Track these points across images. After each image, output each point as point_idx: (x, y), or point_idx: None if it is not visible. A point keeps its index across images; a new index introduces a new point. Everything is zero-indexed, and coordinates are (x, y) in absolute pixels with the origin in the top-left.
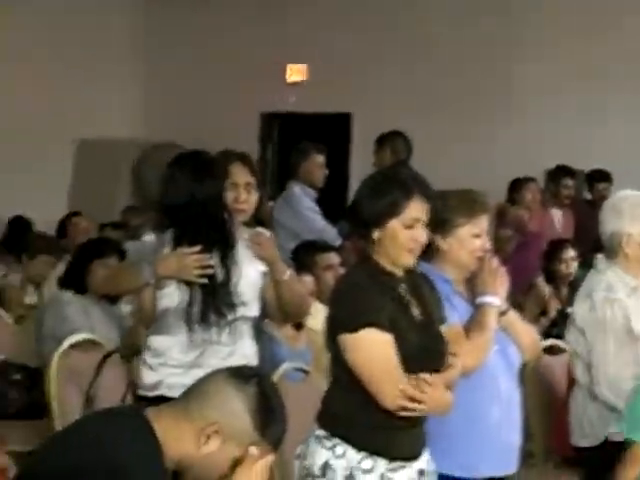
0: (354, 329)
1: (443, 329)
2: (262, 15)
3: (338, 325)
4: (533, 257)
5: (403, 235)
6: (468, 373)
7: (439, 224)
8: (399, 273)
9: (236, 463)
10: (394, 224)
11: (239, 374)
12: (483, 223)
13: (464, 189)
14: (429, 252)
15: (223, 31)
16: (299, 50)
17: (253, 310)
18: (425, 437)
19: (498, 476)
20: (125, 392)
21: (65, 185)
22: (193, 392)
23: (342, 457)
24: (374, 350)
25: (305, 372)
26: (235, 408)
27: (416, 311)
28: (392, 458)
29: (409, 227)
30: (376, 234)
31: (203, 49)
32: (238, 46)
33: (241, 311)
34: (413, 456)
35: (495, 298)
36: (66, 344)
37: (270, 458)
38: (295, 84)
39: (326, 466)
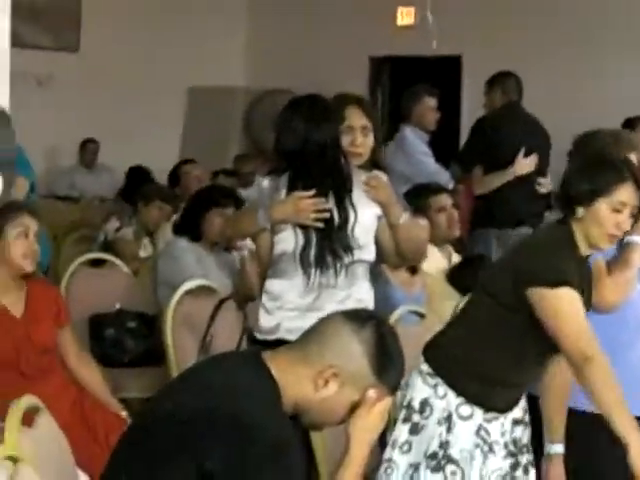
0: (555, 284)
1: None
2: None
3: (535, 277)
4: None
5: (608, 218)
6: (609, 310)
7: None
8: (587, 255)
9: (354, 407)
10: (601, 204)
11: (356, 317)
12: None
13: (600, 154)
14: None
15: None
16: None
17: (369, 253)
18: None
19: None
20: (240, 338)
21: (177, 134)
22: (310, 335)
23: (443, 398)
24: (574, 308)
25: (421, 315)
26: (353, 351)
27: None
28: (488, 409)
29: (616, 211)
30: (580, 212)
31: None
32: None
33: (357, 254)
34: (508, 409)
35: None
36: (181, 291)
37: (388, 401)
38: (405, 27)
39: (425, 403)
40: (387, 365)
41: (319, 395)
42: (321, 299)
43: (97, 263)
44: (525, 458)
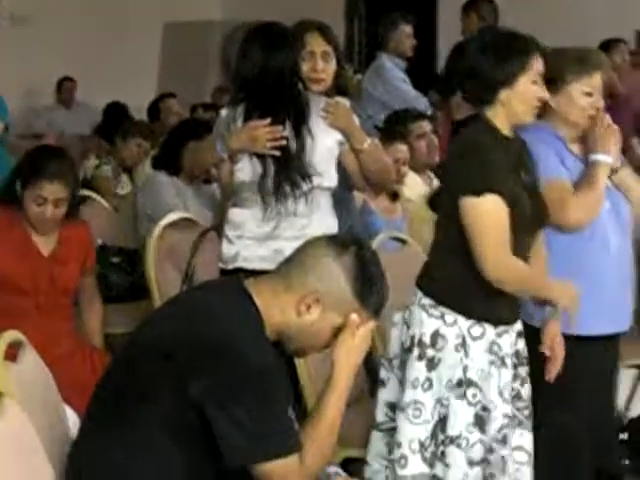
0: (480, 192)
1: (548, 183)
2: None
3: (463, 186)
4: (625, 119)
5: (532, 91)
6: (575, 229)
7: (550, 81)
8: (511, 136)
9: (337, 331)
10: (524, 81)
11: (338, 242)
12: (596, 81)
13: (574, 47)
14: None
15: None
16: None
17: (329, 180)
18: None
19: (609, 333)
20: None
21: (155, 70)
22: (291, 261)
23: (454, 325)
24: (493, 218)
25: (402, 241)
26: (335, 276)
27: (524, 174)
28: (498, 323)
29: (534, 83)
30: (503, 95)
31: None
32: None
33: (317, 181)
34: (515, 318)
35: (607, 156)
36: (162, 224)
37: (371, 325)
38: None
39: (437, 335)
40: (369, 289)
41: (302, 321)
42: (280, 227)
43: None
44: (524, 370)
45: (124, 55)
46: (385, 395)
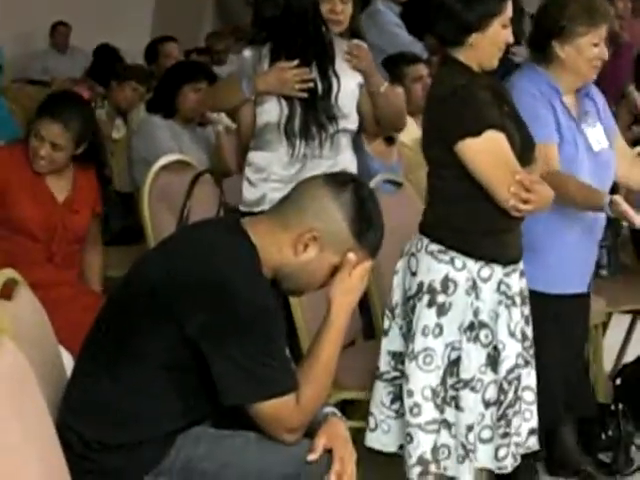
0: (477, 133)
1: (538, 145)
2: None
3: (457, 131)
4: (626, 66)
5: (502, 34)
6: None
7: (557, 30)
8: (482, 73)
9: (334, 270)
10: (495, 25)
11: (335, 180)
12: (603, 32)
13: None
14: (544, 57)
15: None
16: None
17: (353, 122)
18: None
19: (577, 292)
20: (217, 212)
21: (149, 12)
22: (288, 200)
23: (463, 269)
24: (497, 151)
25: (398, 185)
26: (332, 214)
27: (506, 107)
28: (506, 263)
29: (504, 27)
30: (473, 37)
31: None
32: None
33: (342, 123)
34: (520, 256)
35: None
36: (157, 166)
37: (368, 264)
38: None
39: (447, 279)
40: (367, 228)
41: (299, 259)
42: (306, 169)
43: None
44: (527, 309)
45: None
46: (387, 344)
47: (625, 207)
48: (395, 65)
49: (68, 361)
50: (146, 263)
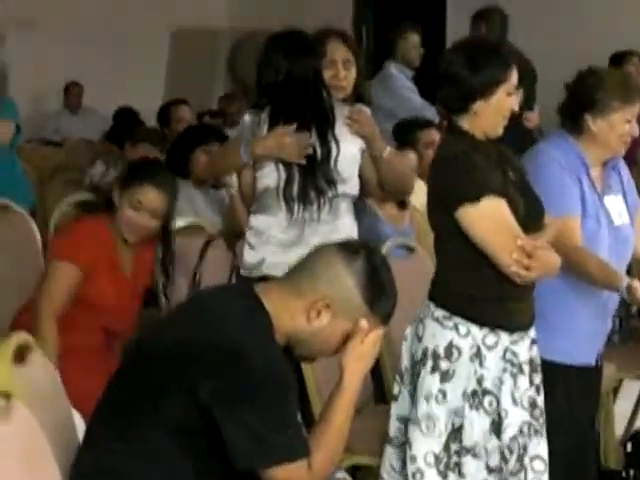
0: (476, 199)
1: (559, 218)
2: None
3: (456, 198)
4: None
5: (507, 103)
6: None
7: (591, 103)
8: (486, 141)
9: (347, 337)
10: (500, 92)
11: (348, 247)
12: (636, 109)
13: (617, 70)
14: (575, 128)
15: None
16: None
17: (353, 187)
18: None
19: (589, 364)
20: (230, 276)
21: (161, 75)
22: (301, 267)
23: (467, 335)
24: (497, 217)
25: (410, 249)
26: (345, 282)
27: (511, 174)
28: (513, 330)
29: (509, 95)
30: (478, 105)
31: None
32: None
33: (341, 188)
34: (530, 324)
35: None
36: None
37: (381, 331)
38: None
39: (451, 346)
40: (379, 295)
41: (312, 326)
42: (305, 234)
43: (84, 207)
44: (538, 378)
45: (131, 61)
46: (397, 409)
47: None
48: (407, 130)
49: (80, 424)
50: (160, 328)
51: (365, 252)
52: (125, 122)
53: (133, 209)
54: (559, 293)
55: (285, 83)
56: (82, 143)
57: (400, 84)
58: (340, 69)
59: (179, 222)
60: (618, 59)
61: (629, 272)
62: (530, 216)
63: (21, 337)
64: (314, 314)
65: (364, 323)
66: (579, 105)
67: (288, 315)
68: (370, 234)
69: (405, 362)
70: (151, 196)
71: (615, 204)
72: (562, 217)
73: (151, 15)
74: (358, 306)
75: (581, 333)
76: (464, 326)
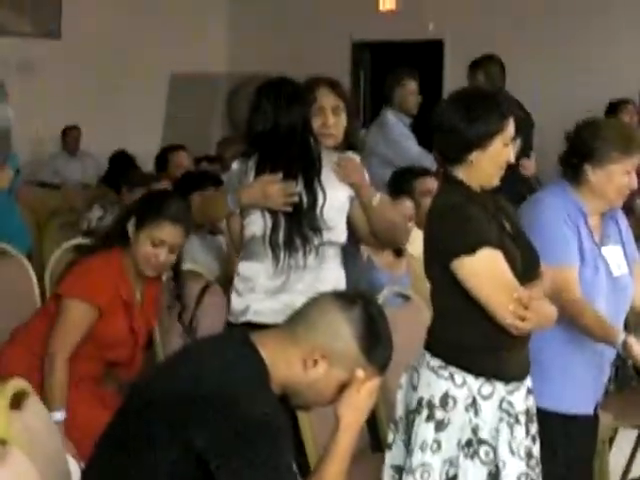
0: (472, 250)
1: (557, 268)
2: None
3: (451, 250)
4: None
5: (504, 153)
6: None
7: (590, 153)
8: (481, 191)
9: (343, 387)
10: (497, 143)
11: (345, 297)
12: (636, 161)
13: (617, 120)
14: (575, 178)
15: None
16: None
17: (339, 235)
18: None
19: (586, 414)
20: (226, 322)
21: (160, 119)
22: (298, 316)
23: (463, 385)
24: (493, 268)
25: (406, 298)
26: (341, 332)
27: (507, 225)
28: (509, 380)
29: (506, 145)
30: (474, 155)
31: None
32: None
33: (327, 236)
34: (525, 374)
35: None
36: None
37: (377, 381)
38: (387, 12)
39: (446, 396)
40: (376, 345)
41: (308, 375)
42: (290, 281)
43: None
44: (534, 428)
45: (129, 105)
46: (391, 458)
47: (637, 351)
48: (403, 178)
49: (76, 470)
50: (156, 377)
51: (362, 302)
52: (121, 166)
53: (152, 246)
54: (556, 341)
55: (273, 131)
56: (79, 186)
57: (397, 132)
58: (329, 116)
59: None
60: (613, 108)
61: (626, 324)
62: (526, 267)
63: (18, 383)
64: (310, 363)
65: (361, 373)
66: (578, 155)
67: (284, 364)
68: (366, 282)
69: (400, 411)
70: (170, 232)
71: (614, 254)
72: (559, 267)
73: (150, 59)
74: (355, 356)
75: (578, 382)
76: (460, 376)
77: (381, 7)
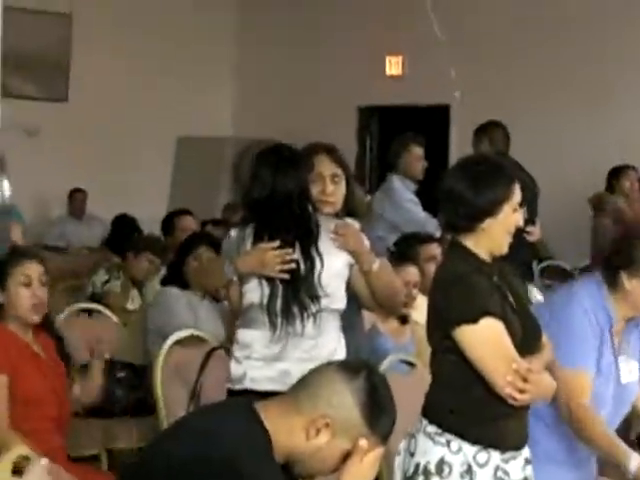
0: (474, 320)
1: (572, 370)
2: (360, 11)
3: (454, 318)
4: None
5: (513, 219)
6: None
7: (628, 261)
8: (490, 261)
9: (345, 456)
10: (506, 209)
11: (348, 367)
12: None
13: None
14: (611, 281)
15: (319, 25)
16: (397, 42)
17: (338, 302)
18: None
19: None
20: (227, 389)
21: (166, 184)
22: (302, 385)
23: (459, 452)
24: (494, 339)
25: (411, 365)
26: (345, 401)
27: (510, 296)
28: (505, 449)
29: (515, 211)
30: (486, 223)
31: (299, 45)
32: (334, 42)
33: (325, 303)
34: (522, 444)
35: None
36: (171, 341)
37: (380, 451)
38: (393, 77)
39: (442, 462)
40: (379, 415)
41: (311, 444)
42: (288, 348)
43: (86, 313)
44: None
45: (136, 168)
46: None
47: None
48: (408, 245)
49: None
50: (161, 445)
51: (365, 372)
52: (123, 229)
53: (25, 286)
54: (555, 422)
55: (270, 198)
56: (84, 250)
57: (403, 197)
58: (328, 184)
59: (180, 334)
60: (616, 173)
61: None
62: (527, 338)
63: (20, 450)
64: (313, 432)
65: (364, 443)
66: (617, 261)
67: (287, 432)
68: (368, 349)
69: (398, 478)
70: (30, 266)
71: (627, 364)
72: (576, 370)
73: (157, 123)
74: (358, 425)
75: (576, 461)
76: (456, 443)
77: (387, 71)
